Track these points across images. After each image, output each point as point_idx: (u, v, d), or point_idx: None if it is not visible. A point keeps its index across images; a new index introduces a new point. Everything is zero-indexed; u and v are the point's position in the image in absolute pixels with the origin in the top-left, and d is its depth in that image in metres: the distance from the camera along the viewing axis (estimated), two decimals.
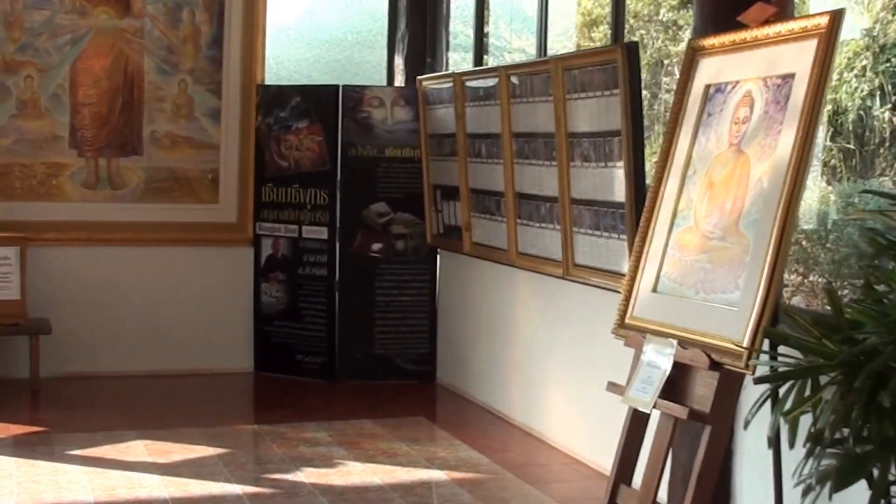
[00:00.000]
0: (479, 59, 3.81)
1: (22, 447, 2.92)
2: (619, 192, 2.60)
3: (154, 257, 3.86)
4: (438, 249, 3.80)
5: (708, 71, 2.21)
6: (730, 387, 1.96)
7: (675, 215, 2.18)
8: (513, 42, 3.94)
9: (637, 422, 2.16)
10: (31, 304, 3.63)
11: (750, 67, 2.09)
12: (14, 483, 2.62)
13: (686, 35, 2.99)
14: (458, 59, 4.02)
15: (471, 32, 3.89)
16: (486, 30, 3.85)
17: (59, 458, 2.83)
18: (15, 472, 2.70)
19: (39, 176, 3.81)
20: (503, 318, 3.38)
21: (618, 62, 2.55)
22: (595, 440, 2.82)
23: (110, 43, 3.82)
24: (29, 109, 3.79)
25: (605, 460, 2.59)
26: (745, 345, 1.87)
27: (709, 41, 2.21)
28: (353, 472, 2.77)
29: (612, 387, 2.17)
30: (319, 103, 3.78)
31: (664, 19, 3.27)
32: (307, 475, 2.74)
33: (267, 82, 3.96)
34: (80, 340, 3.74)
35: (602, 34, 3.36)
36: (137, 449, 2.93)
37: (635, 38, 3.11)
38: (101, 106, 3.82)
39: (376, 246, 3.80)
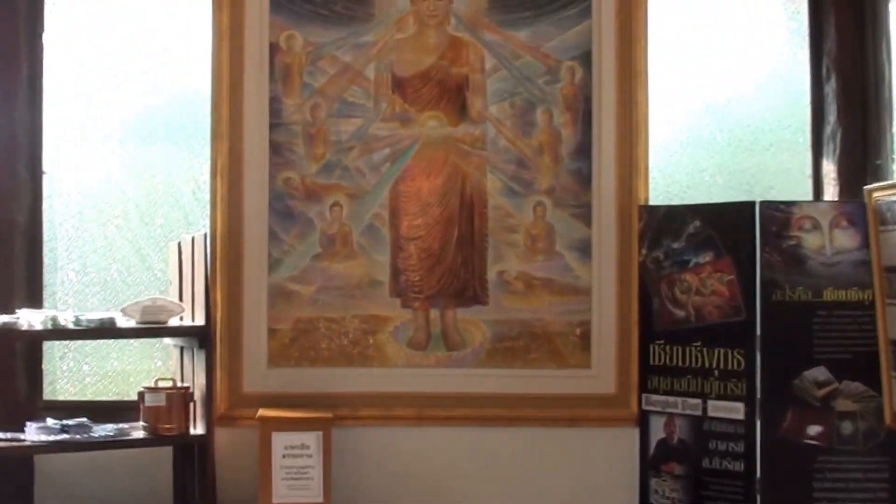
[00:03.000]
0: None
1: None
2: None
3: (504, 441, 4.13)
4: None
5: None
6: None
7: None
8: None
9: None
10: None
11: None
12: None
13: None
14: None
15: None
16: None
17: None
18: None
19: (352, 334, 4.23)
20: None
21: None
22: None
23: (442, 157, 4.24)
24: (337, 247, 4.23)
25: None
26: None
27: None
28: None
29: None
30: (727, 228, 3.99)
31: None
32: None
33: (652, 202, 4.21)
34: None
35: None
36: None
37: None
38: (431, 240, 4.23)
39: (814, 429, 3.90)
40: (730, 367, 4.02)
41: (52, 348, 4.45)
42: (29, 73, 4.36)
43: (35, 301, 4.35)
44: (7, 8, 4.32)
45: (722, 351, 4.04)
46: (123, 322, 3.99)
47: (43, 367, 4.40)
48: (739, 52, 4.56)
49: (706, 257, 4.09)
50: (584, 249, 4.27)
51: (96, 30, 4.48)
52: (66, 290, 4.50)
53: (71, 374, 4.50)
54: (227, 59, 4.21)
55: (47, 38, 4.40)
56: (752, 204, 4.02)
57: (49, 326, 3.88)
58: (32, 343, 4.31)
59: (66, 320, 3.89)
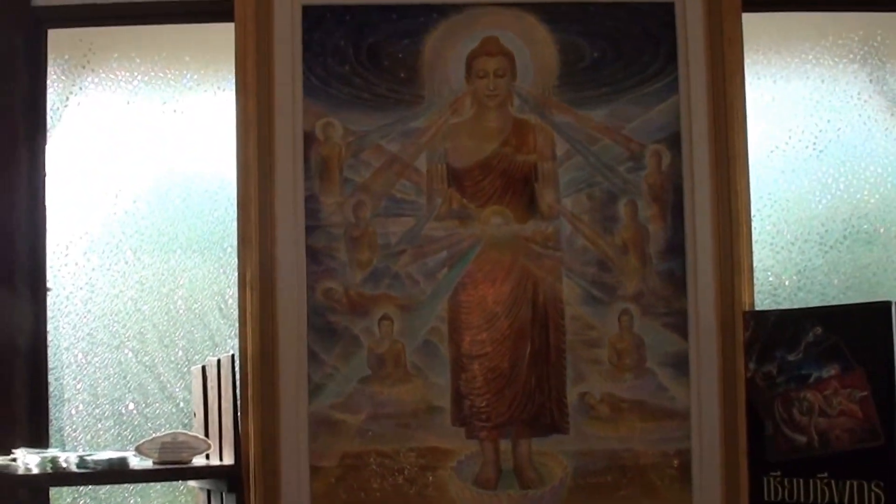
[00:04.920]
0: None
1: None
2: None
3: None
4: None
5: None
6: None
7: None
8: None
9: None
10: None
11: None
12: None
13: None
14: None
15: None
16: None
17: None
18: None
19: (408, 470, 3.81)
20: None
21: None
22: None
23: (509, 259, 3.87)
24: (388, 368, 3.85)
25: None
26: None
27: None
28: None
29: None
30: (857, 335, 3.63)
31: None
32: None
33: (759, 306, 3.88)
34: None
35: None
36: None
37: None
38: (499, 358, 3.85)
39: None
40: (865, 503, 3.61)
41: (60, 494, 4.15)
42: (29, 177, 4.15)
43: (39, 438, 4.06)
44: (4, 107, 4.16)
45: (855, 483, 3.65)
46: (138, 463, 3.63)
47: None
48: (853, 132, 4.33)
49: (831, 370, 3.70)
50: (680, 365, 3.89)
51: (105, 128, 4.30)
52: (75, 425, 4.22)
53: None
54: (254, 152, 3.86)
55: (50, 140, 4.21)
56: (887, 304, 3.61)
57: (48, 469, 3.47)
58: (34, 489, 4.00)
59: (69, 462, 3.51)
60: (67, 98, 4.33)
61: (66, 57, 4.28)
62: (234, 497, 3.68)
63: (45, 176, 4.22)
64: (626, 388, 3.88)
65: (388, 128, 3.96)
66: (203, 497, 3.99)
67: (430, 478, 3.85)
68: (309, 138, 3.94)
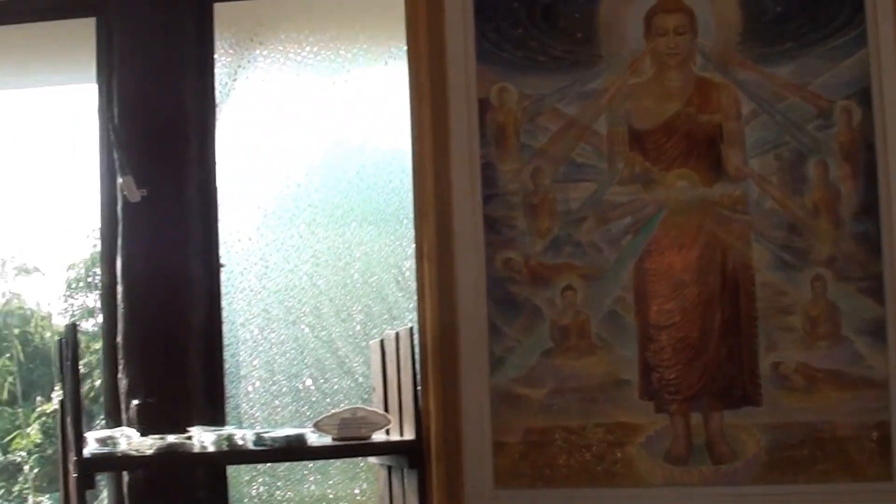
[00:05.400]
0: None
1: None
2: None
3: None
4: None
5: None
6: None
7: None
8: None
9: None
10: None
11: None
12: None
13: None
14: None
15: None
16: None
17: None
18: None
19: (595, 446, 3.70)
20: None
21: None
22: None
23: (695, 224, 3.73)
24: (572, 340, 3.73)
25: None
26: None
27: None
28: None
29: None
30: None
31: None
32: None
33: None
34: None
35: None
36: None
37: None
38: (688, 327, 3.71)
39: None
40: None
41: (237, 473, 4.18)
42: (200, 153, 4.19)
43: (216, 416, 4.10)
44: (173, 84, 4.21)
45: None
46: (316, 439, 3.62)
47: (229, 493, 4.14)
48: None
49: None
50: (877, 332, 3.68)
51: (274, 101, 4.34)
52: (252, 402, 4.24)
53: (261, 501, 4.23)
54: (428, 121, 3.77)
55: (220, 115, 4.25)
56: None
57: (224, 447, 3.48)
58: (210, 467, 4.06)
59: (246, 439, 3.51)
60: (236, 73, 4.30)
61: (234, 31, 4.22)
62: (416, 473, 3.66)
63: (215, 151, 4.25)
64: (820, 357, 3.71)
65: (565, 90, 3.84)
66: (384, 474, 3.97)
67: (619, 454, 3.74)
68: (483, 105, 3.84)
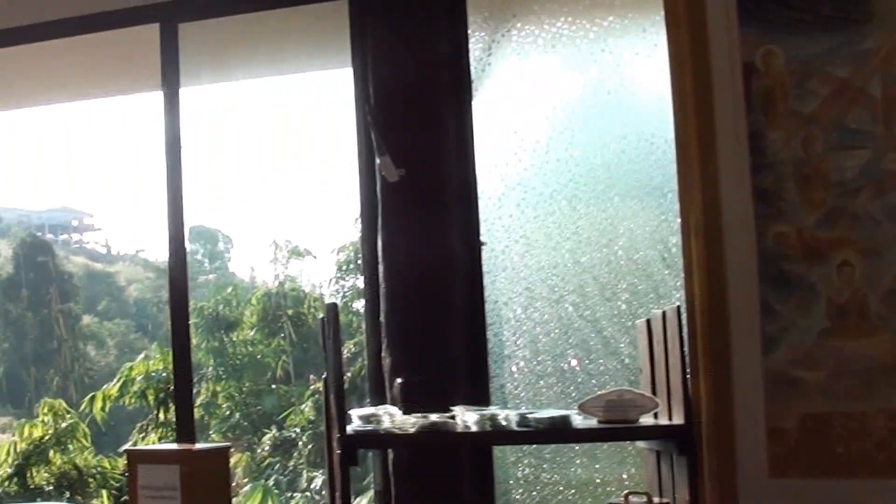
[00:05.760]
0: None
1: None
2: None
3: None
4: None
5: None
6: None
7: None
8: None
9: None
10: None
11: None
12: None
13: None
14: None
15: None
16: None
17: None
18: None
19: (877, 434, 3.45)
20: None
21: None
22: None
23: None
24: (851, 320, 3.49)
25: None
26: None
27: None
28: None
29: None
30: None
31: None
32: None
33: None
34: None
35: None
36: None
37: None
38: None
39: None
40: None
41: (503, 454, 4.15)
42: (457, 130, 4.20)
43: (479, 396, 4.07)
44: (428, 63, 4.21)
45: None
46: (581, 421, 3.55)
47: (494, 474, 4.13)
48: None
49: None
50: None
51: (530, 76, 4.28)
52: (516, 382, 4.18)
53: (527, 482, 4.17)
54: (690, 87, 3.61)
55: (476, 92, 4.24)
56: None
57: (487, 427, 3.44)
58: (474, 447, 4.07)
59: (510, 420, 3.47)
60: (490, 48, 4.25)
61: (487, 5, 4.19)
62: (686, 460, 3.54)
63: (472, 128, 4.22)
64: None
65: (835, 51, 3.60)
66: (652, 459, 3.87)
67: None
68: (748, 69, 3.65)
